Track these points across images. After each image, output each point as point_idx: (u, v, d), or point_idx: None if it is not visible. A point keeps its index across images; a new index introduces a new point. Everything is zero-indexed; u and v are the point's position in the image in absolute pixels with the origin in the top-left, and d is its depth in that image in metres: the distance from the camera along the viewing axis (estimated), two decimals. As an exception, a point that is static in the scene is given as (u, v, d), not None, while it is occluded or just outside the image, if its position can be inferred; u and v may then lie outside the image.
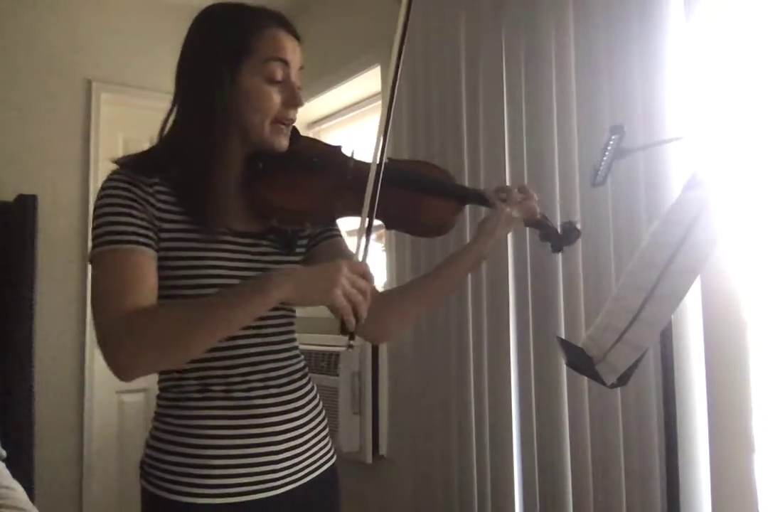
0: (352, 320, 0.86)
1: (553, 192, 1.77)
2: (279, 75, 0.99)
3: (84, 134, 3.01)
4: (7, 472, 1.50)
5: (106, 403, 2.98)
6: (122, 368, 0.85)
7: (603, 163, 1.17)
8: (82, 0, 3.03)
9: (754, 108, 1.35)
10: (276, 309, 1.01)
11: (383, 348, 2.51)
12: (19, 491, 1.44)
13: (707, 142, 1.41)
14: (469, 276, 2.01)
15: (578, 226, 1.17)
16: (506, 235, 1.15)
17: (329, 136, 3.35)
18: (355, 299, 0.86)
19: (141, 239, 0.92)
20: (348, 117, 3.18)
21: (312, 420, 1.07)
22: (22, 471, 1.69)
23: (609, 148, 1.15)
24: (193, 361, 0.96)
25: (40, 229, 2.72)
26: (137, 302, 0.88)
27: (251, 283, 0.89)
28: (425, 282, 1.14)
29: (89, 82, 3.03)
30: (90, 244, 0.94)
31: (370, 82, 2.78)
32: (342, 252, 1.17)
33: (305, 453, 1.04)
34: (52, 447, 2.74)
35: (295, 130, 1.06)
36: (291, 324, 1.10)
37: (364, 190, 0.95)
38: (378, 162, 0.96)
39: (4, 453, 1.58)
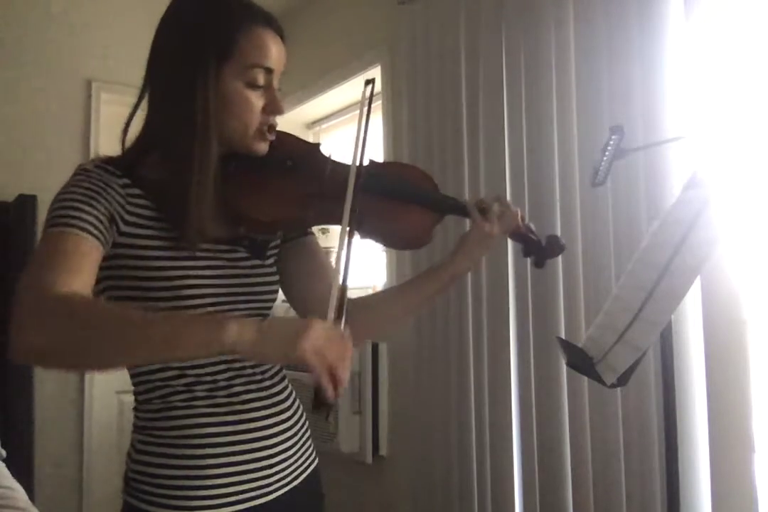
0: (329, 387, 0.70)
1: (553, 192, 1.77)
2: (261, 81, 0.92)
3: (84, 134, 3.01)
4: (7, 472, 1.49)
5: (106, 403, 2.98)
6: (25, 347, 0.73)
7: (603, 163, 1.17)
8: (82, 0, 3.03)
9: (754, 108, 1.35)
10: (254, 309, 0.99)
11: (383, 348, 2.51)
12: (19, 491, 1.43)
13: (707, 142, 1.41)
14: (469, 275, 2.01)
15: (562, 242, 1.10)
16: (484, 254, 1.10)
17: (329, 136, 3.35)
18: (331, 359, 0.70)
19: (96, 232, 0.86)
20: (348, 117, 3.18)
21: (297, 421, 1.04)
22: (22, 471, 1.69)
23: (609, 148, 1.15)
24: (180, 368, 0.93)
25: (40, 228, 2.72)
26: (72, 287, 0.78)
27: (207, 321, 0.77)
28: (398, 296, 1.11)
29: (89, 82, 3.03)
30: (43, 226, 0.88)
31: (370, 82, 2.78)
32: (315, 253, 1.10)
33: (295, 456, 1.01)
34: (52, 447, 2.74)
35: None
36: None
37: (340, 197, 0.88)
38: (356, 169, 0.90)
39: (4, 453, 1.57)
